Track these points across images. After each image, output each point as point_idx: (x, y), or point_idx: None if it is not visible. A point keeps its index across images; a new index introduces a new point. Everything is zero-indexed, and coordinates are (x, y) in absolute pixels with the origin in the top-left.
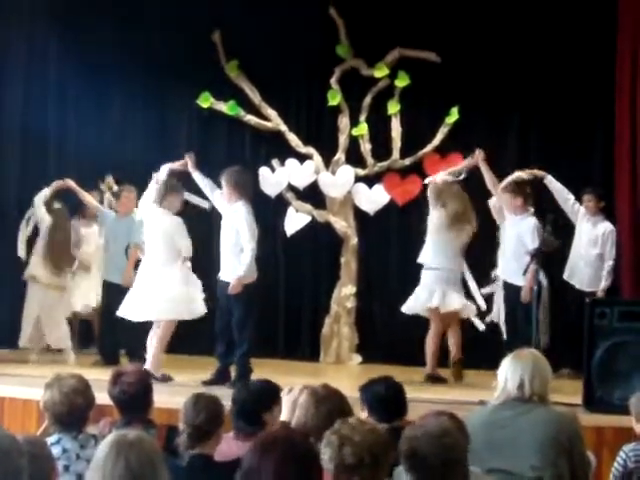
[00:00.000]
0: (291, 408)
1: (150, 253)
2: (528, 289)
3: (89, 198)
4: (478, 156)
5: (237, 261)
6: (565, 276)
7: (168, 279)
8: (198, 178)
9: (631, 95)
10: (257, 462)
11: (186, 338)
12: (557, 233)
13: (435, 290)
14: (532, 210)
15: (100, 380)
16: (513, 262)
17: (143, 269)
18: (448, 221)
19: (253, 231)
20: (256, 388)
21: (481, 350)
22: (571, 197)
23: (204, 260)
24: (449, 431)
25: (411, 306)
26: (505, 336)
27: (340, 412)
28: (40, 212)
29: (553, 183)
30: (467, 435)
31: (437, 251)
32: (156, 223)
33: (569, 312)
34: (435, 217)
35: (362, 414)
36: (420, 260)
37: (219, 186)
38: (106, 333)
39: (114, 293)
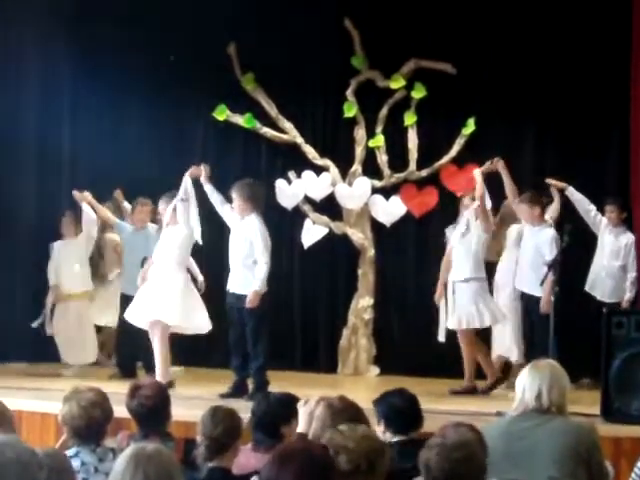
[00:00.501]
0: (307, 420)
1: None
2: (547, 300)
3: (105, 212)
4: (497, 163)
5: (250, 274)
6: (587, 288)
7: (168, 287)
8: (209, 190)
9: None
10: (275, 474)
11: (202, 351)
12: (575, 243)
13: None
14: (550, 221)
15: (118, 393)
16: (531, 273)
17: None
18: None
19: (267, 243)
20: (275, 400)
21: None
22: (593, 208)
23: (217, 273)
24: (468, 443)
25: None
26: None
27: (357, 424)
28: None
29: (575, 194)
30: (486, 446)
31: None
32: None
33: (590, 322)
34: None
35: (378, 428)
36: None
37: (229, 200)
38: (123, 346)
39: None
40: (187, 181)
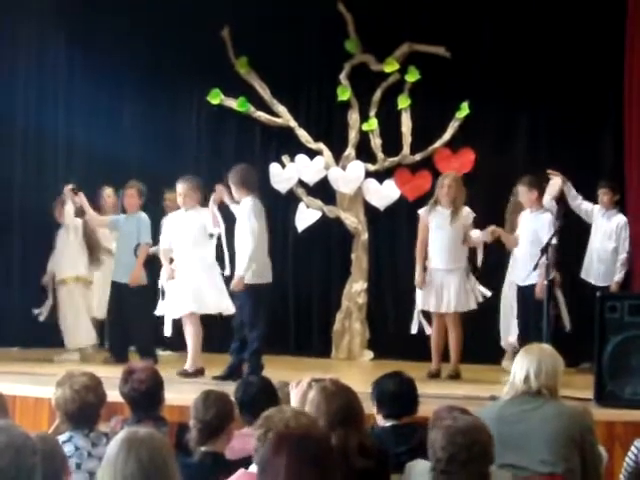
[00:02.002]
0: (300, 402)
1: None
2: (540, 284)
3: (96, 218)
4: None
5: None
6: (582, 275)
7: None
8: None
9: None
10: (270, 459)
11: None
12: (568, 225)
13: None
14: (552, 202)
15: (111, 378)
16: (526, 263)
17: None
18: None
19: (255, 226)
20: (255, 384)
21: (490, 344)
22: (582, 201)
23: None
24: (475, 429)
25: None
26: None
27: (350, 408)
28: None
29: (571, 190)
30: (491, 434)
31: None
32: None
33: (588, 307)
34: None
35: (373, 409)
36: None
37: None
38: (115, 331)
39: (123, 292)
40: (213, 209)
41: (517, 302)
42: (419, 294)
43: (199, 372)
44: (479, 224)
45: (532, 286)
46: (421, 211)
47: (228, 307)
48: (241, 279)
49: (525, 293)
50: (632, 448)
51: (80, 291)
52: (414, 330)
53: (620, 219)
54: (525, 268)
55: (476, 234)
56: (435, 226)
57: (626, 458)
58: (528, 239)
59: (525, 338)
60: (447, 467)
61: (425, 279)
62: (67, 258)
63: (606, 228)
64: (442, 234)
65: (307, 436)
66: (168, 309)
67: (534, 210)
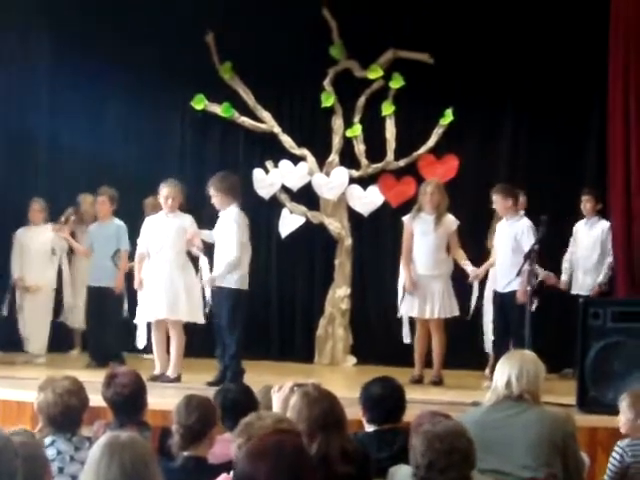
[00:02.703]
0: (282, 407)
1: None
2: (523, 290)
3: (80, 247)
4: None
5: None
6: (573, 292)
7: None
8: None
9: (624, 94)
10: (249, 470)
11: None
12: (551, 234)
13: None
14: (522, 213)
15: (93, 382)
16: (505, 270)
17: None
18: None
19: (242, 236)
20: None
21: (473, 350)
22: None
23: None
24: (454, 434)
25: None
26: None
27: (332, 413)
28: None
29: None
30: (472, 439)
31: None
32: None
33: (571, 312)
34: None
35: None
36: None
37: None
38: (95, 336)
39: (101, 297)
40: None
41: (495, 309)
42: (405, 300)
43: (178, 379)
44: (464, 230)
45: (513, 293)
46: (405, 218)
47: (200, 318)
48: (213, 280)
49: (505, 300)
50: (616, 449)
51: (46, 298)
52: (406, 340)
53: (604, 225)
54: (506, 275)
55: (470, 268)
56: (419, 232)
57: (610, 459)
58: (508, 246)
59: (500, 345)
60: (427, 474)
61: (415, 283)
62: (38, 266)
63: (589, 239)
64: (426, 240)
65: (282, 447)
66: (144, 314)
67: (509, 218)
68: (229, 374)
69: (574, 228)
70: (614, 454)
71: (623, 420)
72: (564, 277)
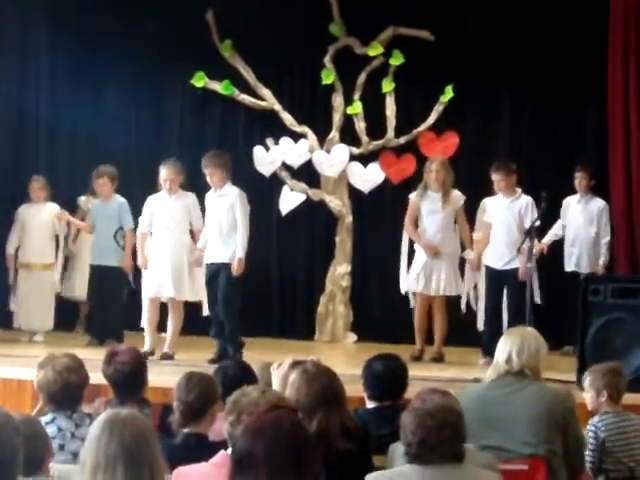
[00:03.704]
0: (281, 384)
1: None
2: (524, 267)
3: (81, 224)
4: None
5: (229, 242)
6: (566, 267)
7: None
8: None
9: (624, 72)
10: (248, 447)
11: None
12: (553, 210)
13: None
14: (520, 190)
15: (94, 360)
16: (505, 247)
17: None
18: None
19: (247, 210)
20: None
21: (474, 327)
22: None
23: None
24: (444, 410)
25: None
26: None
27: (331, 390)
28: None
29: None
30: (462, 415)
31: None
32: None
33: (571, 290)
34: None
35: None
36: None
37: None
38: (97, 314)
39: (104, 276)
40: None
41: (491, 285)
42: (410, 274)
43: (173, 356)
44: (465, 207)
45: (513, 270)
46: (412, 195)
47: (203, 297)
48: (241, 261)
49: (505, 277)
50: (589, 427)
51: (49, 274)
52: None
53: (599, 203)
54: (505, 253)
55: (470, 255)
56: (428, 211)
57: (587, 440)
58: (513, 224)
59: (492, 322)
60: (419, 451)
61: (433, 246)
62: (39, 244)
63: (585, 214)
64: (434, 218)
65: (280, 423)
66: (149, 292)
67: (510, 195)
68: (230, 348)
69: (564, 202)
70: (589, 433)
71: (588, 398)
72: (545, 239)
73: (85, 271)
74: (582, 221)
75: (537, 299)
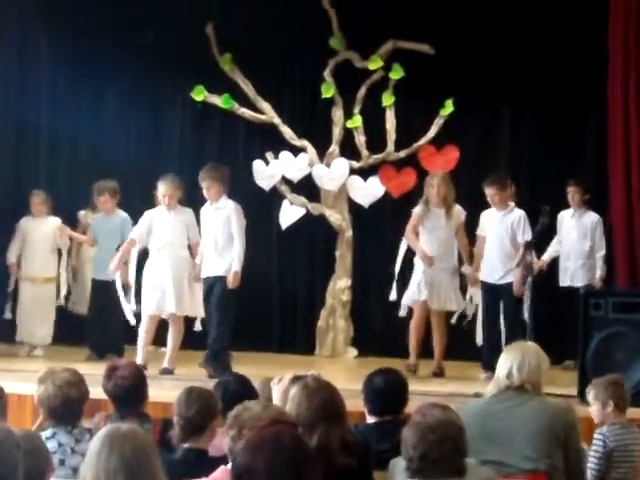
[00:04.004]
0: (282, 399)
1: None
2: (520, 282)
3: (83, 237)
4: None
5: (225, 255)
6: (560, 282)
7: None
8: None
9: (624, 86)
10: (248, 462)
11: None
12: (553, 224)
13: None
14: (513, 204)
15: (94, 375)
16: (499, 262)
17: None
18: None
19: (243, 225)
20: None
21: (474, 341)
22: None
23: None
24: (445, 425)
25: None
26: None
27: (332, 404)
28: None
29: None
30: (464, 429)
31: None
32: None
33: (573, 305)
34: None
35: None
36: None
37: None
38: (97, 329)
39: (105, 290)
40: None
41: (487, 300)
42: (410, 286)
43: (173, 371)
44: (465, 222)
45: (508, 284)
46: (415, 209)
47: (201, 312)
48: (237, 274)
49: (500, 291)
50: (597, 436)
51: (48, 291)
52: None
53: (593, 217)
54: (500, 267)
55: (468, 270)
56: (431, 226)
57: (592, 447)
58: (506, 238)
59: (489, 337)
60: (421, 465)
61: (430, 258)
62: (41, 258)
63: (579, 228)
64: (437, 233)
65: (280, 437)
66: (150, 308)
67: (503, 209)
68: (209, 353)
69: (559, 216)
70: (596, 442)
71: (594, 411)
72: (545, 257)
73: (87, 285)
74: (576, 235)
75: (525, 315)
